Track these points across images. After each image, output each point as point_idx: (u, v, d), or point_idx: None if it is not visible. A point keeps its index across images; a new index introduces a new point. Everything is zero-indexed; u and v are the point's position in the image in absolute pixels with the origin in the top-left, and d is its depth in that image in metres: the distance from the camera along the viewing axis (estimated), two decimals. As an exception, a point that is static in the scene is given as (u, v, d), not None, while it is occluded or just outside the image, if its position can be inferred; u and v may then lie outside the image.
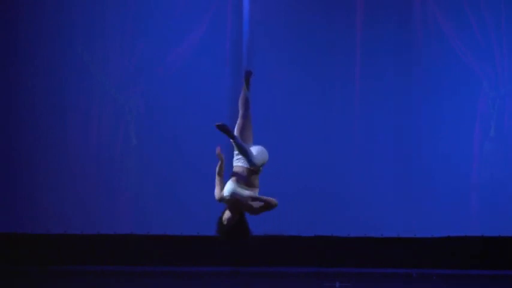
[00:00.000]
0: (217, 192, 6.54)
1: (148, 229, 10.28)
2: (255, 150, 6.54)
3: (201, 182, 10.17)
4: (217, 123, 6.33)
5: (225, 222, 6.45)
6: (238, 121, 6.70)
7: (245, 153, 6.45)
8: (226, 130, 6.34)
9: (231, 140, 6.44)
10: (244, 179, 6.49)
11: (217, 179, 6.58)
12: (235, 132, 6.58)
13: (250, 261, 10.22)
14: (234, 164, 6.58)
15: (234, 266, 10.22)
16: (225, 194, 6.45)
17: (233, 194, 6.43)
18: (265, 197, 6.46)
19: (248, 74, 6.77)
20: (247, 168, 6.50)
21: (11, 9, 10.27)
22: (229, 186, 6.47)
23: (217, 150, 6.64)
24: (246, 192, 6.45)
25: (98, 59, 10.30)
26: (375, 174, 10.18)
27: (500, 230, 10.10)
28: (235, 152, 6.58)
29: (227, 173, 6.58)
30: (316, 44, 10.26)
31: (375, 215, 10.13)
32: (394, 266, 10.16)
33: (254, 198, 6.45)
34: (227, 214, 6.47)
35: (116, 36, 10.30)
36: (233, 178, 6.49)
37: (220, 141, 10.14)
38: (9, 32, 10.27)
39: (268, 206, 6.46)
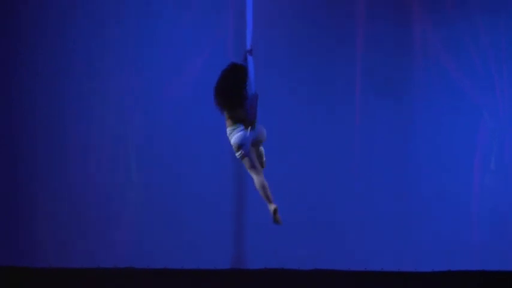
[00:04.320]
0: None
1: (148, 262, 10.26)
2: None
3: (202, 214, 10.24)
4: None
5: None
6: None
7: None
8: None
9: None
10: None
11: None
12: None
13: (250, 296, 10.22)
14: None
15: (233, 302, 10.21)
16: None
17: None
18: None
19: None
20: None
21: (8, 46, 10.33)
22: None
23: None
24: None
25: (98, 89, 10.32)
26: (374, 207, 10.16)
27: (501, 265, 10.06)
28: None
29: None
30: (315, 70, 10.28)
31: (375, 249, 10.11)
32: (395, 301, 10.15)
33: None
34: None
35: (116, 67, 10.31)
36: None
37: (220, 173, 10.26)
38: (5, 71, 10.31)
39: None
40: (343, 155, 10.28)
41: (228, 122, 6.66)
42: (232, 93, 6.57)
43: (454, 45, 10.22)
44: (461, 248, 10.09)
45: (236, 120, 6.61)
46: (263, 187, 6.53)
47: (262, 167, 6.75)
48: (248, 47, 6.82)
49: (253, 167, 6.56)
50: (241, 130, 6.59)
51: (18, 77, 10.29)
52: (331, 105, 10.29)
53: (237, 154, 6.59)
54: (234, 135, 6.60)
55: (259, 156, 6.79)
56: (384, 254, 10.10)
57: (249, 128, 6.57)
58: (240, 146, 6.54)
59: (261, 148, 6.83)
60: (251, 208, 10.23)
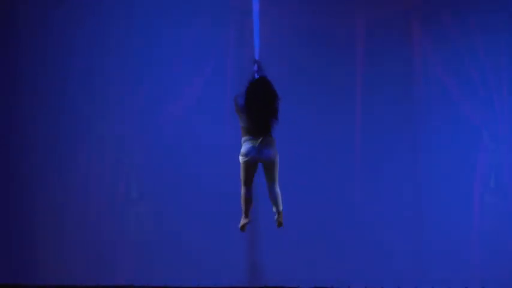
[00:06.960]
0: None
1: (148, 280, 10.25)
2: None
3: (202, 231, 10.24)
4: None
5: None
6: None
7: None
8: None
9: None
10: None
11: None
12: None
13: (251, 314, 10.21)
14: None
15: (234, 319, 10.20)
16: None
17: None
18: None
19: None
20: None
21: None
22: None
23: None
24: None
25: (98, 109, 10.35)
26: (373, 226, 10.16)
27: (502, 284, 10.04)
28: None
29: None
30: (314, 89, 10.29)
31: (375, 267, 10.10)
32: (394, 321, 10.14)
33: None
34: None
35: (117, 88, 10.35)
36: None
37: (219, 191, 10.25)
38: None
39: None
40: (344, 173, 10.29)
41: (243, 132, 7.07)
42: (273, 108, 7.00)
43: (454, 65, 10.24)
44: (461, 267, 10.07)
45: (250, 132, 7.00)
46: (243, 200, 7.15)
47: (278, 210, 7.19)
48: (257, 57, 7.30)
49: (244, 176, 7.11)
50: (252, 142, 7.01)
51: (17, 88, 10.35)
52: (332, 124, 10.31)
53: (240, 159, 7.07)
54: (245, 145, 7.05)
55: (274, 200, 7.16)
56: (383, 272, 10.09)
57: (259, 141, 6.97)
58: (245, 155, 7.02)
59: (277, 190, 7.14)
60: (254, 225, 10.23)
